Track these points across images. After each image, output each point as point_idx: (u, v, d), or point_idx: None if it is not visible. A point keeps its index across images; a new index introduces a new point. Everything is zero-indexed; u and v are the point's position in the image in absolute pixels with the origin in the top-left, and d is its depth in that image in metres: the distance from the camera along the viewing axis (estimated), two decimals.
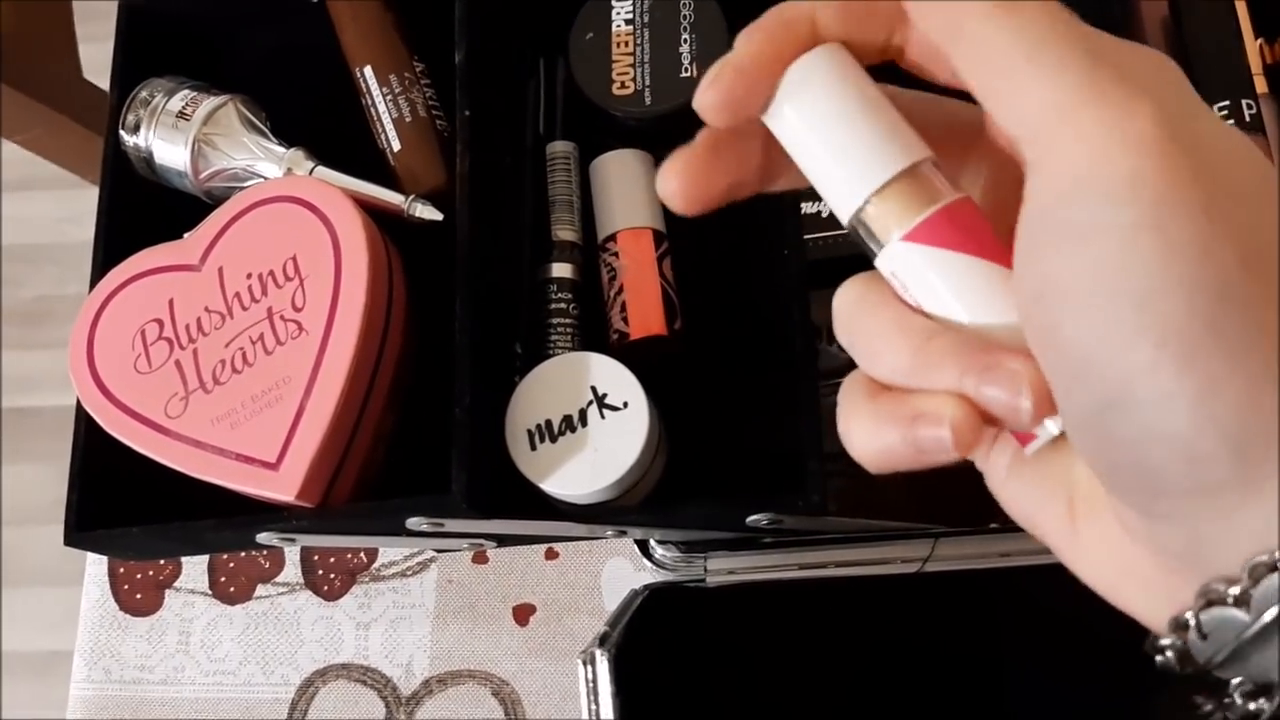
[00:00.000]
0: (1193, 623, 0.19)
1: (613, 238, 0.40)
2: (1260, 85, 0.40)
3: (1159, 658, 0.20)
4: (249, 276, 0.37)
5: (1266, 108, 0.39)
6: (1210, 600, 0.19)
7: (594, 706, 0.35)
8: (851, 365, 0.23)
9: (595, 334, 0.40)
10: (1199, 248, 0.17)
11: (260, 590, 0.54)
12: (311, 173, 0.40)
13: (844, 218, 0.22)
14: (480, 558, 0.53)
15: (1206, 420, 0.18)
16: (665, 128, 0.40)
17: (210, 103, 0.41)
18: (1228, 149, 0.19)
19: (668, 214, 0.40)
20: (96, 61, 0.48)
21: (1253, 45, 0.40)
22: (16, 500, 1.26)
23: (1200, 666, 0.20)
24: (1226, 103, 0.38)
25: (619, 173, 0.41)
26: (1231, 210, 0.18)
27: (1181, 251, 0.17)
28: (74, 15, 0.87)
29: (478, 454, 0.34)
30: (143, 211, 0.42)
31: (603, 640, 0.36)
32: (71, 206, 1.30)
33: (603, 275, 0.40)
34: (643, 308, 0.39)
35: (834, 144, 0.22)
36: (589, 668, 0.35)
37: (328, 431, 0.35)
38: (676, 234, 0.40)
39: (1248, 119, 0.39)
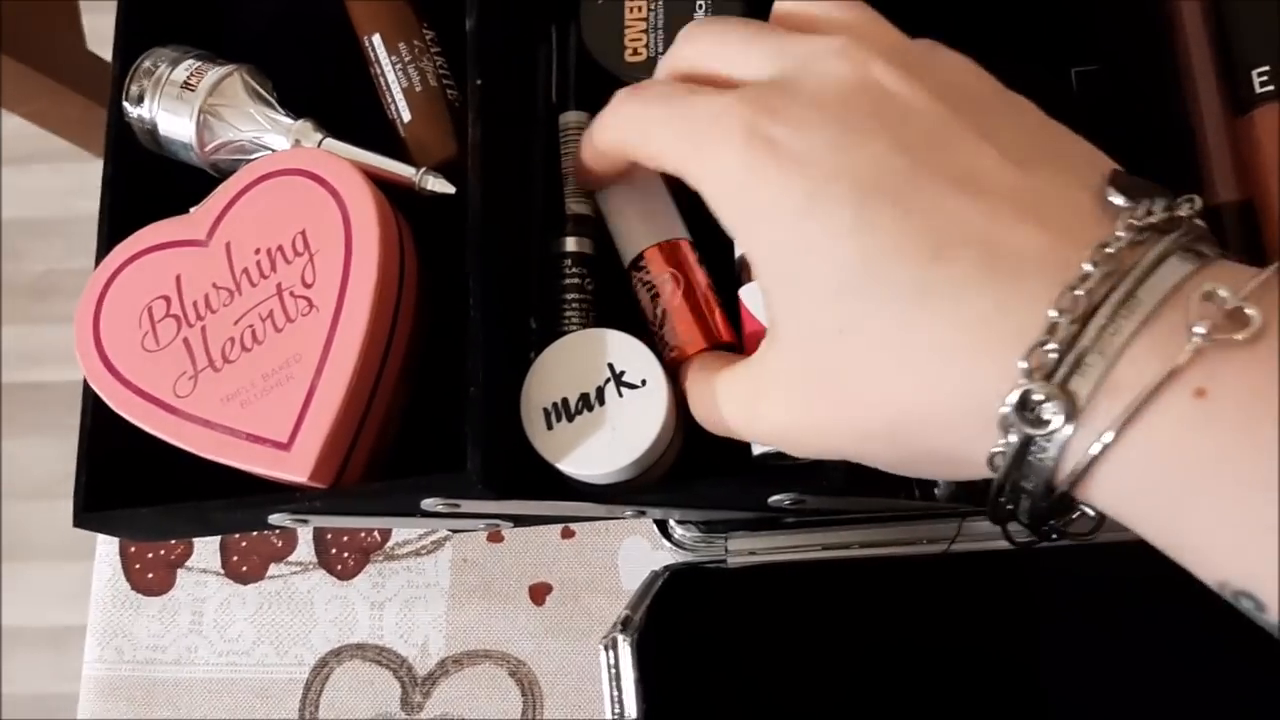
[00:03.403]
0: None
1: (641, 256, 0.38)
2: None
3: None
4: (257, 252, 0.36)
5: None
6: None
7: (616, 692, 0.34)
8: None
9: (611, 309, 0.39)
10: None
11: (273, 569, 0.54)
12: (320, 144, 0.39)
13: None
14: (495, 537, 0.52)
15: None
16: None
17: (216, 72, 0.39)
18: None
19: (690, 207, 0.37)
20: (101, 32, 0.47)
21: None
22: (26, 474, 1.26)
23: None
24: (1266, 68, 0.37)
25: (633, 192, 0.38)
26: None
27: None
28: None
29: (493, 433, 0.33)
30: (147, 185, 0.41)
31: (624, 625, 0.35)
32: (78, 179, 1.30)
33: (641, 295, 0.37)
34: (693, 324, 0.36)
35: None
36: (610, 653, 0.34)
37: (340, 410, 0.34)
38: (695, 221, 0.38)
39: None
